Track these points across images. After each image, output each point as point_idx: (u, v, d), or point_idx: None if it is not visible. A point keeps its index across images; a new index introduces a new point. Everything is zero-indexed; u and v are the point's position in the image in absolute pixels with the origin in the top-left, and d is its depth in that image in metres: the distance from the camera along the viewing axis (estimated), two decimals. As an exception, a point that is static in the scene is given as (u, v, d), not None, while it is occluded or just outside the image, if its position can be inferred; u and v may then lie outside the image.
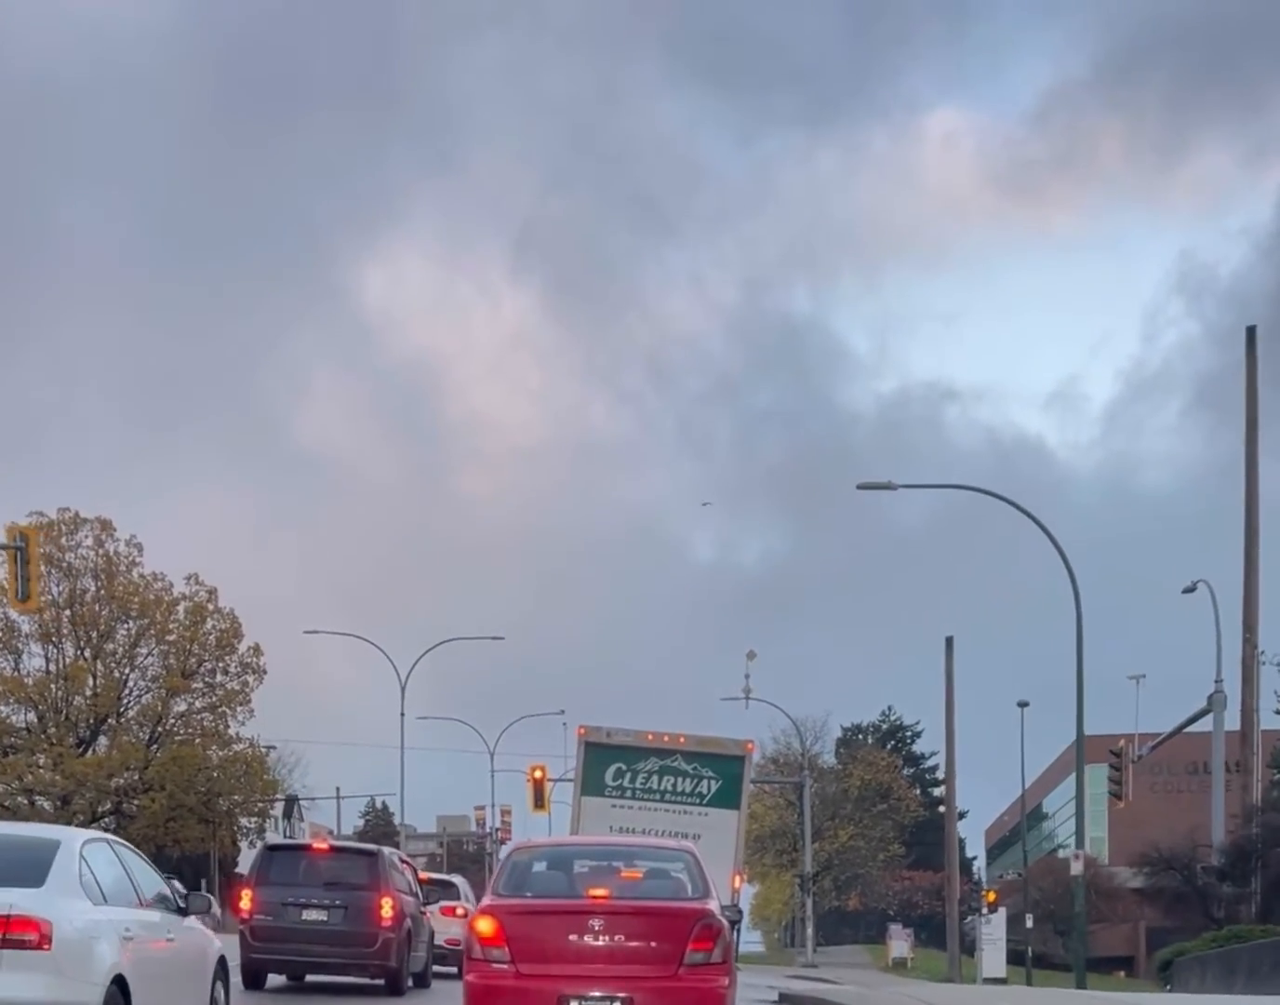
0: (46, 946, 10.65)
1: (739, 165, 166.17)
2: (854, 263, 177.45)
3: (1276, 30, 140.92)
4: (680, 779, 30.96)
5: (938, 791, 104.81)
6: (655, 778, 30.93)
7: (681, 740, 31.39)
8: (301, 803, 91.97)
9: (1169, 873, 40.35)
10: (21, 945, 10.56)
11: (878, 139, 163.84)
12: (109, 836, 13.42)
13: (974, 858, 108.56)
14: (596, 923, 12.67)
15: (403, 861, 24.54)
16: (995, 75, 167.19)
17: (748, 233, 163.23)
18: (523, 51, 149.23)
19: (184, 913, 13.48)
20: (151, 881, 13.17)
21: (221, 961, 14.26)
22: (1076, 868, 32.97)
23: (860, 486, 33.50)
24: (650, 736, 31.37)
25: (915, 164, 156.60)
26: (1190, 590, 35.89)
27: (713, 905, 13.15)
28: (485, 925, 12.85)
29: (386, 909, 21.58)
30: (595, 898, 13.07)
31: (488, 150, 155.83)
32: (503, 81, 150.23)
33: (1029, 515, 32.60)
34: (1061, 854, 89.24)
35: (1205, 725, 45.84)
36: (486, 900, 13.38)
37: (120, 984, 11.38)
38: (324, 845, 23.99)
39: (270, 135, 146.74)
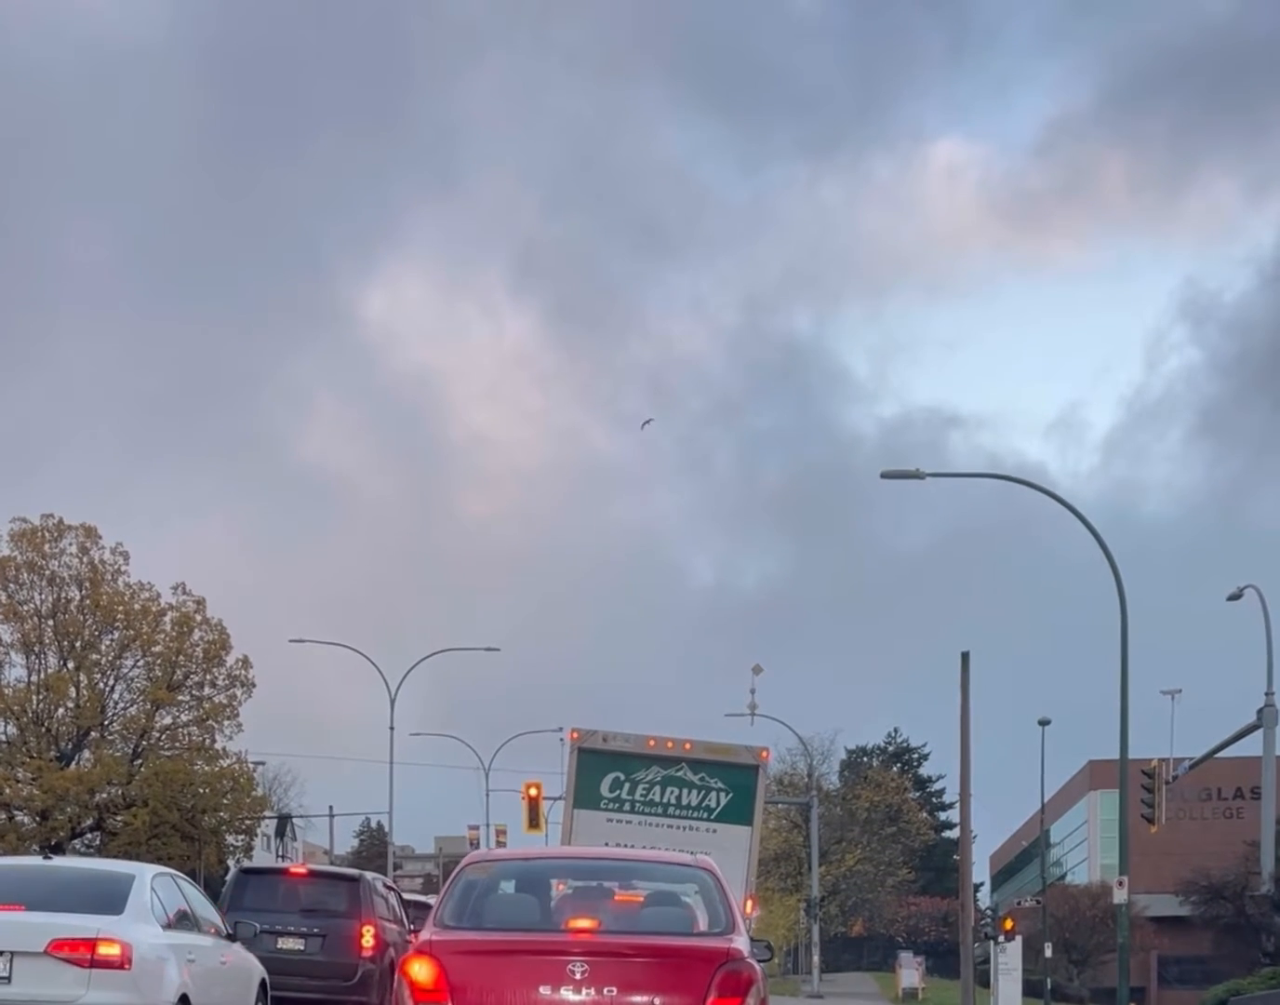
0: (128, 966, 12.04)
1: (741, 189, 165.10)
2: (856, 288, 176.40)
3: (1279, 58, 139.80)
4: (686, 790, 28.03)
5: (944, 815, 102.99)
6: (658, 789, 28.02)
7: (688, 747, 28.43)
8: (295, 822, 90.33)
9: (1219, 901, 38.11)
10: (107, 964, 11.94)
11: (881, 167, 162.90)
12: (173, 871, 14.85)
13: (979, 884, 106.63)
14: (578, 967, 9.25)
15: (387, 887, 22.74)
16: (1000, 105, 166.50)
17: (749, 256, 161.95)
18: (525, 74, 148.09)
19: (232, 939, 14.89)
20: (206, 910, 14.68)
21: (263, 983, 15.52)
22: (1120, 895, 30.58)
23: (884, 475, 31.07)
24: (652, 742, 28.41)
25: (918, 192, 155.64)
26: (1236, 597, 33.79)
27: (741, 943, 9.70)
28: (421, 971, 9.46)
29: (367, 938, 19.87)
30: (578, 932, 9.69)
31: (489, 172, 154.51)
32: (504, 103, 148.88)
33: (1066, 505, 30.80)
34: (1070, 880, 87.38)
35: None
36: (425, 934, 9.92)
37: (185, 1001, 12.76)
38: (301, 869, 22.28)
39: (271, 156, 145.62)
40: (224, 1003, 14.10)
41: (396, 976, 9.74)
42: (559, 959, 9.31)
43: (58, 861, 14.37)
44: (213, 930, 14.44)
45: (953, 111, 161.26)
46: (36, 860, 14.23)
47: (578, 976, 9.22)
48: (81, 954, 11.88)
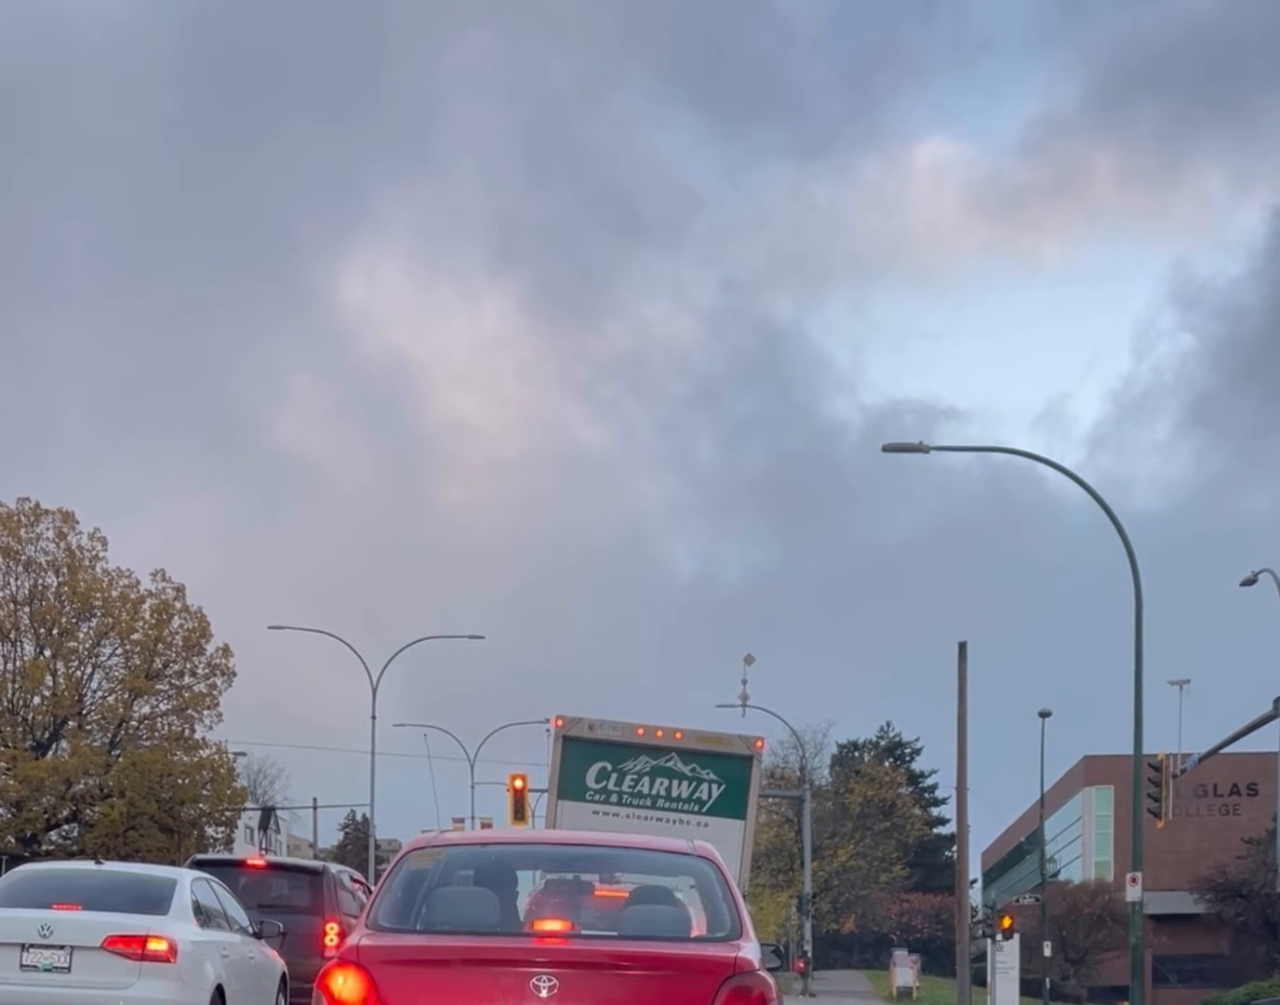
0: (174, 960, 13.54)
1: (726, 176, 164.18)
2: (841, 281, 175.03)
3: (1264, 48, 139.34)
4: (676, 782, 27.03)
5: (936, 811, 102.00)
6: (646, 780, 27.01)
7: (678, 736, 27.38)
8: (279, 814, 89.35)
9: (1236, 900, 36.97)
10: (156, 958, 13.44)
11: (868, 164, 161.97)
12: (209, 876, 16.35)
13: (972, 881, 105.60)
14: (545, 982, 7.42)
15: (354, 880, 21.54)
16: (987, 102, 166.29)
17: (734, 245, 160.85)
18: (504, 53, 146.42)
19: (258, 937, 16.30)
20: (236, 911, 16.09)
21: (283, 978, 16.81)
22: (1134, 892, 29.43)
23: (886, 448, 30.40)
24: (641, 731, 27.36)
25: (905, 187, 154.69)
26: (1251, 582, 32.79)
27: (750, 952, 7.85)
28: (345, 985, 7.58)
29: (331, 936, 18.68)
30: (546, 936, 7.94)
31: (466, 153, 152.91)
32: (483, 83, 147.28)
33: (1073, 477, 29.82)
34: (1063, 878, 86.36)
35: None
36: (353, 938, 8.04)
37: (220, 992, 14.27)
38: (259, 861, 21.12)
39: (243, 136, 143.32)
40: (252, 994, 15.55)
41: (315, 992, 7.78)
42: (521, 971, 7.49)
43: (108, 866, 15.98)
44: (241, 929, 15.94)
45: (940, 109, 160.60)
46: (89, 865, 16.02)
47: (544, 993, 7.40)
48: (133, 948, 13.42)
